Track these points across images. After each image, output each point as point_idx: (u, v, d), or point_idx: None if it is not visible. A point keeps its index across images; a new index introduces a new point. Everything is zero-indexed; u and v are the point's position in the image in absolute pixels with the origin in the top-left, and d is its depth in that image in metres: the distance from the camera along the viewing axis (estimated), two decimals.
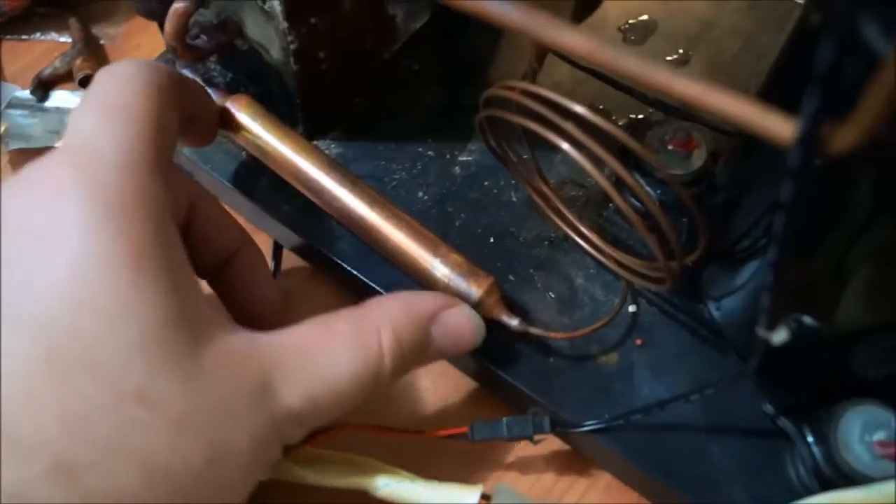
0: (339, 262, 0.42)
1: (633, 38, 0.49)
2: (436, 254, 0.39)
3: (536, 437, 0.38)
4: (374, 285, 0.42)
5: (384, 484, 0.37)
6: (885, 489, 0.33)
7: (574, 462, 0.42)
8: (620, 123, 0.46)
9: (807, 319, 0.34)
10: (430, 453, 0.41)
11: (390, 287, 0.41)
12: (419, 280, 0.40)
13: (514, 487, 0.40)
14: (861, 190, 0.29)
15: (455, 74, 0.47)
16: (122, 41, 0.55)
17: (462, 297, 0.38)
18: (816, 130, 0.24)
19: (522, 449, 0.42)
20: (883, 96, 0.22)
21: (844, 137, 0.24)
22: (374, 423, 0.40)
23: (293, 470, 0.37)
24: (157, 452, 0.26)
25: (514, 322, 0.38)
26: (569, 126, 0.34)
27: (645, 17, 0.51)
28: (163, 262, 0.28)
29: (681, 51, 0.49)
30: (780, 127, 0.27)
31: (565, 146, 0.34)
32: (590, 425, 0.38)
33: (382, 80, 0.47)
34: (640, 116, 0.46)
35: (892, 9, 0.23)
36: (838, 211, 0.29)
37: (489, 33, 0.48)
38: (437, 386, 0.44)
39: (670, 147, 0.41)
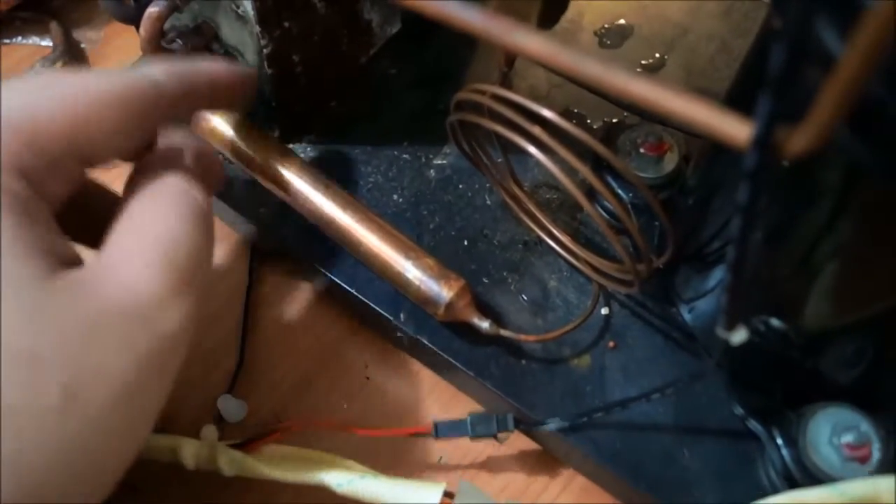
0: (314, 264, 0.42)
1: (608, 42, 0.50)
2: (407, 256, 0.39)
3: (501, 436, 0.39)
4: (347, 287, 0.42)
5: (346, 480, 0.37)
6: (845, 488, 0.33)
7: (547, 463, 0.42)
8: (595, 127, 0.46)
9: (774, 321, 0.34)
10: (398, 452, 0.42)
11: (363, 288, 0.42)
12: (392, 282, 0.40)
13: (477, 487, 0.40)
14: (818, 193, 0.29)
15: (431, 79, 0.47)
16: (103, 45, 0.55)
17: (433, 300, 0.38)
18: (771, 134, 0.24)
19: (494, 449, 0.42)
20: (837, 98, 0.22)
21: (799, 140, 0.24)
22: (339, 422, 0.40)
23: (257, 467, 0.38)
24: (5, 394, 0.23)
25: (484, 324, 0.39)
26: (536, 130, 0.34)
27: (622, 21, 0.51)
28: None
29: (657, 55, 0.49)
30: (736, 130, 0.27)
31: (533, 150, 0.34)
32: (553, 423, 0.38)
33: (359, 85, 0.47)
34: (615, 120, 0.46)
35: (846, 12, 0.23)
36: (796, 213, 0.29)
37: (464, 38, 0.48)
38: (411, 387, 0.44)
39: (642, 150, 0.41)
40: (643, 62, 0.49)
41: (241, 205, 0.44)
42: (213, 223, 0.32)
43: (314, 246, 0.43)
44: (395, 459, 0.42)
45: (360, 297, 0.42)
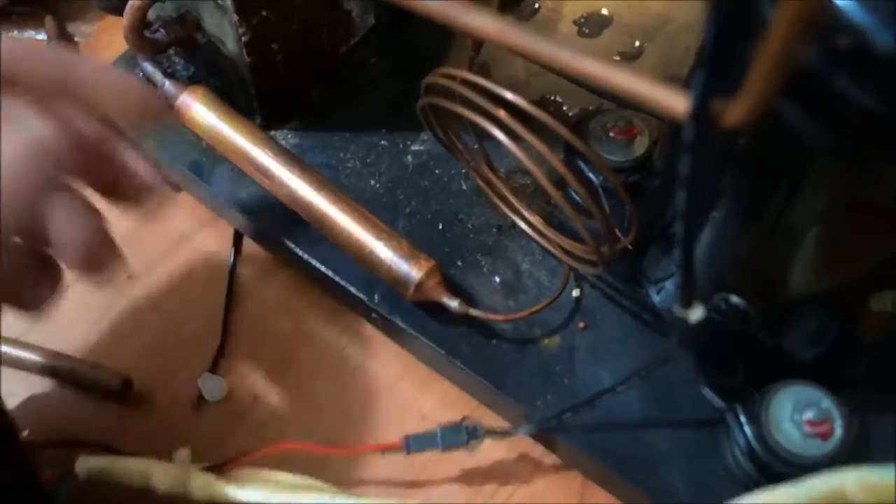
0: (292, 246, 0.44)
1: (587, 31, 0.50)
2: (379, 237, 0.40)
3: (472, 444, 0.39)
4: (324, 269, 0.43)
5: (315, 502, 0.38)
6: (812, 486, 0.32)
7: (516, 468, 0.43)
8: (571, 114, 0.47)
9: (734, 299, 0.35)
10: (367, 468, 0.42)
11: (339, 270, 0.43)
12: (364, 262, 0.41)
13: None
14: (772, 170, 0.30)
15: (409, 68, 0.48)
16: (96, 38, 0.57)
17: (403, 279, 0.39)
18: (707, 105, 0.25)
19: (463, 459, 0.42)
20: (768, 68, 0.22)
21: (736, 111, 0.24)
22: (308, 441, 0.40)
23: (230, 490, 0.38)
24: None
25: (454, 303, 0.39)
26: (501, 113, 0.35)
27: (603, 11, 0.52)
28: None
29: (637, 44, 0.50)
30: (674, 102, 0.28)
31: (498, 134, 0.35)
32: (523, 430, 0.39)
33: (339, 73, 0.48)
34: (591, 108, 0.47)
35: None
36: (753, 191, 0.30)
37: (442, 28, 0.49)
38: (387, 367, 0.45)
39: (612, 134, 0.42)
40: (620, 51, 0.50)
41: (222, 190, 0.45)
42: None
43: (293, 230, 0.44)
44: (369, 475, 0.42)
45: (337, 279, 0.43)
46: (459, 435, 0.39)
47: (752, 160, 0.31)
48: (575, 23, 0.51)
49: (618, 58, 0.49)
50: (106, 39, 0.56)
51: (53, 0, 0.57)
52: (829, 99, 0.26)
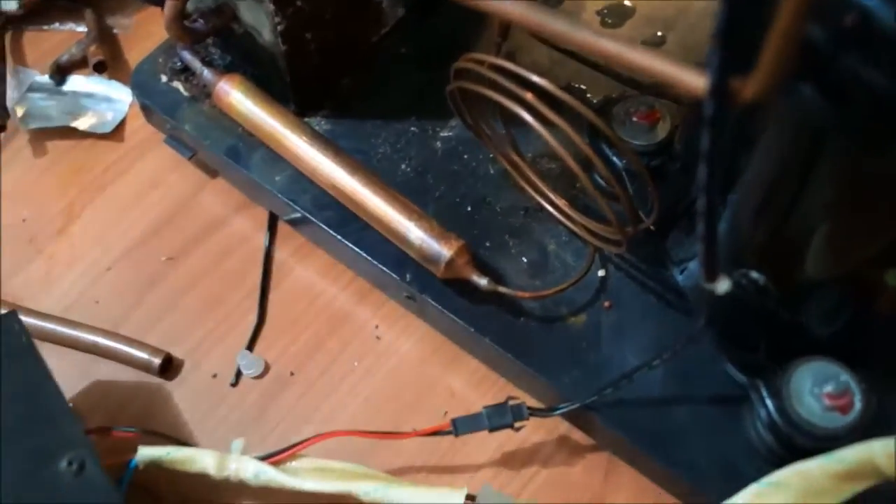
0: (326, 228, 0.45)
1: (609, 21, 0.52)
2: (410, 218, 0.42)
3: (517, 425, 0.41)
4: (357, 249, 0.44)
5: (373, 489, 0.39)
6: (842, 455, 0.34)
7: (565, 446, 0.44)
8: (595, 101, 0.48)
9: (754, 274, 0.36)
10: (401, 451, 0.44)
11: (372, 251, 0.44)
12: (396, 241, 0.42)
13: (496, 490, 0.42)
14: (786, 148, 0.31)
15: (437, 57, 0.49)
16: (134, 30, 0.59)
17: (434, 258, 0.41)
18: (724, 82, 0.26)
19: (485, 438, 0.43)
20: (779, 44, 0.24)
21: (751, 87, 0.26)
22: (357, 429, 0.42)
23: (277, 478, 0.39)
24: None
25: (483, 281, 0.41)
26: (528, 96, 0.37)
27: (626, 2, 0.53)
28: None
29: (658, 33, 0.51)
30: (695, 81, 0.29)
31: (525, 116, 0.37)
32: (564, 407, 0.40)
33: (370, 62, 0.50)
34: (614, 95, 0.48)
35: None
36: (762, 157, 0.31)
37: (469, 18, 0.51)
38: (418, 346, 0.47)
39: (635, 119, 0.43)
40: (642, 40, 0.51)
41: (259, 174, 0.47)
42: None
43: (326, 212, 0.45)
44: (418, 458, 0.44)
45: (370, 259, 0.44)
46: (505, 416, 0.40)
47: (766, 141, 0.32)
48: (597, 13, 0.52)
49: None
50: (144, 31, 0.58)
51: None
52: (838, 77, 0.27)
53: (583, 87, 0.49)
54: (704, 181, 0.30)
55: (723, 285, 0.33)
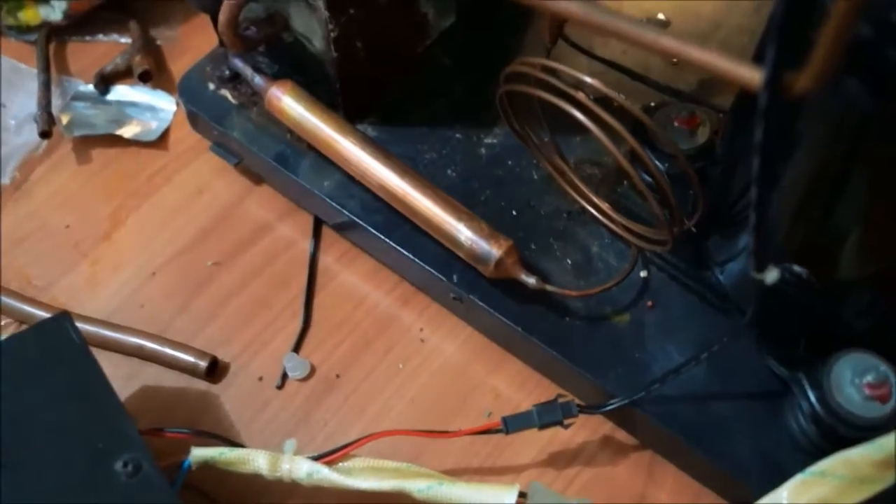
0: (374, 231, 0.46)
1: None
2: (460, 219, 0.43)
3: (566, 422, 0.41)
4: (404, 251, 0.46)
5: (426, 486, 0.39)
6: (882, 443, 0.35)
7: (612, 445, 0.45)
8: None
9: (796, 268, 0.37)
10: (458, 449, 0.44)
11: (419, 252, 0.45)
12: (446, 242, 0.43)
13: (547, 487, 0.43)
14: (832, 140, 0.32)
15: (482, 68, 0.51)
16: (178, 42, 0.60)
17: (483, 257, 0.42)
18: (778, 75, 0.28)
19: (529, 438, 0.43)
20: (831, 40, 0.25)
21: (803, 80, 0.27)
22: (408, 429, 0.43)
23: (331, 477, 0.40)
24: None
25: (531, 280, 0.42)
26: (580, 95, 0.38)
27: (660, 16, 0.54)
28: None
29: None
30: (750, 74, 0.30)
31: (577, 114, 0.38)
32: (613, 404, 0.41)
33: (415, 72, 0.51)
34: (653, 104, 0.50)
35: None
36: (808, 152, 0.32)
37: (514, 30, 0.53)
38: (462, 349, 0.48)
39: (676, 124, 0.44)
40: None
41: (307, 179, 0.48)
42: None
43: (375, 216, 0.47)
44: (464, 459, 0.45)
45: (417, 261, 0.45)
46: (555, 412, 0.41)
47: (810, 137, 0.33)
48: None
49: (675, 60, 0.51)
50: (188, 43, 0.59)
51: (139, 6, 0.61)
52: (884, 72, 0.28)
53: (621, 96, 0.50)
54: (757, 172, 0.31)
55: (771, 275, 0.34)
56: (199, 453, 0.40)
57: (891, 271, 0.37)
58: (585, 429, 0.45)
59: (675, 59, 0.51)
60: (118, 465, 0.37)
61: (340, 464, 0.41)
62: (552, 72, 0.39)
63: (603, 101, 0.38)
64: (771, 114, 0.29)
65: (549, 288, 0.42)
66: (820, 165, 0.34)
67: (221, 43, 0.49)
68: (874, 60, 0.28)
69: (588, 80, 0.37)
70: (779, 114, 0.30)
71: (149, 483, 0.37)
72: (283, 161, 0.49)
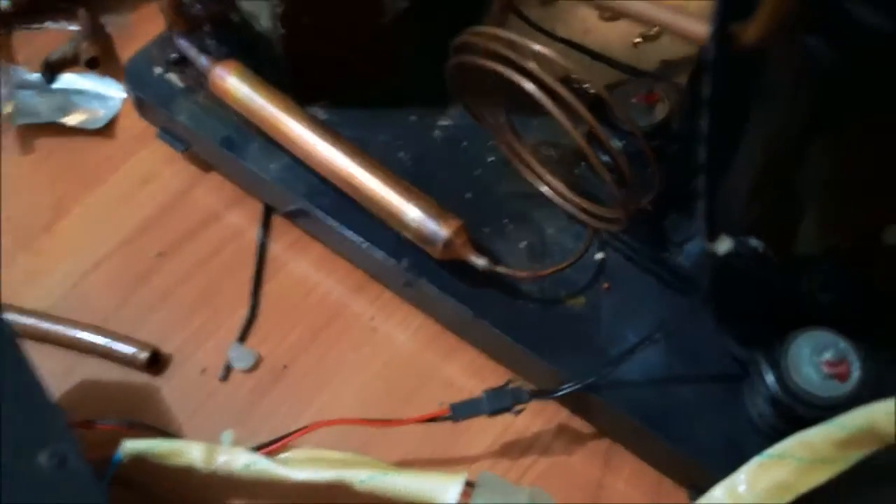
0: (322, 215, 0.45)
1: (607, 15, 0.52)
2: (408, 198, 0.41)
3: (517, 408, 0.40)
4: (353, 235, 0.44)
5: (368, 476, 0.38)
6: (843, 421, 0.34)
7: (541, 434, 0.43)
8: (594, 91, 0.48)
9: (753, 241, 0.36)
10: (409, 439, 0.43)
11: (368, 236, 0.44)
12: (393, 223, 0.42)
13: (497, 476, 0.41)
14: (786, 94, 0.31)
15: (438, 49, 0.50)
16: (129, 29, 0.58)
17: (432, 238, 0.40)
18: (726, 26, 0.26)
19: (483, 426, 0.42)
20: None
21: (751, 30, 0.26)
22: (350, 418, 0.41)
23: (268, 468, 0.38)
24: None
25: (480, 261, 0.40)
26: (531, 65, 0.36)
27: None
28: None
29: (656, 29, 0.51)
30: (696, 27, 0.29)
31: (528, 86, 0.36)
32: (565, 389, 0.39)
33: (370, 53, 0.50)
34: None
35: None
36: (765, 114, 0.31)
37: (472, 11, 0.51)
38: (415, 337, 0.46)
39: (634, 100, 0.43)
40: (640, 32, 0.51)
41: (254, 163, 0.46)
42: None
43: (323, 199, 0.45)
44: (416, 449, 0.43)
45: (366, 245, 0.44)
46: (505, 399, 0.40)
47: (769, 99, 0.32)
48: (597, 8, 0.53)
49: (639, 39, 0.50)
50: (139, 30, 0.57)
51: None
52: (844, 25, 0.27)
53: (583, 79, 0.49)
54: (707, 131, 0.30)
55: (723, 245, 0.33)
56: (130, 446, 0.38)
57: (852, 245, 0.36)
58: (541, 417, 0.43)
59: (608, 15, 0.51)
60: (42, 458, 0.35)
61: (281, 455, 0.39)
62: (506, 44, 0.38)
63: (561, 80, 0.37)
64: (719, 67, 0.28)
65: (499, 269, 0.40)
66: (778, 130, 0.33)
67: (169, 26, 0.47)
68: (832, 14, 0.27)
69: (538, 48, 0.36)
70: (729, 68, 0.29)
71: (75, 476, 0.35)
72: (230, 145, 0.47)
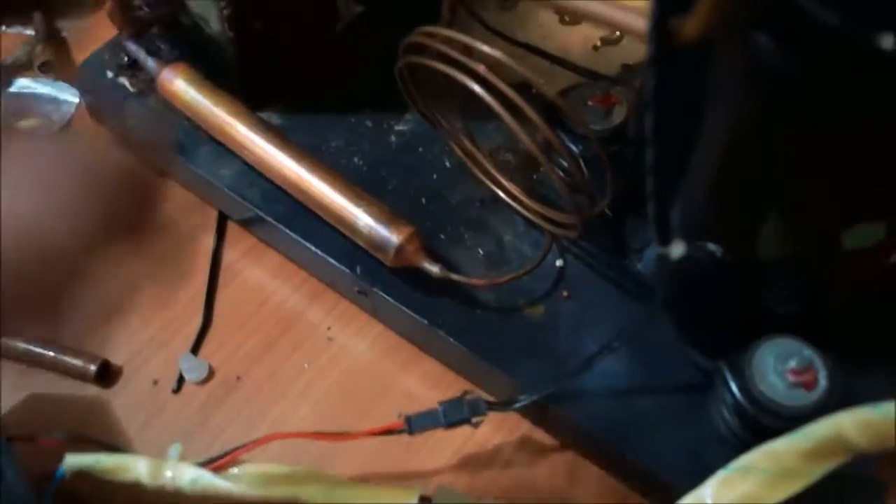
0: (274, 221, 0.43)
1: (567, 18, 0.51)
2: (358, 204, 0.40)
3: (474, 420, 0.38)
4: (306, 243, 0.43)
5: (320, 492, 0.37)
6: (809, 431, 0.32)
7: (526, 444, 0.42)
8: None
9: (711, 246, 0.35)
10: (367, 453, 0.41)
11: (321, 244, 0.43)
12: (345, 229, 0.41)
13: (454, 489, 0.40)
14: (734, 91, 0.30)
15: (394, 54, 0.49)
16: (86, 34, 0.57)
17: (383, 244, 0.39)
18: (666, 20, 0.25)
19: (444, 438, 0.41)
20: None
21: (692, 24, 0.25)
22: (305, 431, 0.40)
23: (215, 484, 0.37)
24: None
25: (434, 269, 0.39)
26: (481, 68, 0.35)
27: None
28: None
29: (617, 33, 0.50)
30: (637, 22, 0.28)
31: (476, 88, 0.35)
32: (523, 400, 0.38)
33: (325, 57, 0.49)
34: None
35: None
36: (718, 115, 0.30)
37: (429, 17, 0.50)
38: (372, 347, 0.45)
39: (590, 103, 0.42)
40: (601, 36, 0.50)
41: (205, 168, 0.45)
42: None
43: (275, 205, 0.44)
44: (373, 463, 0.41)
45: (319, 252, 0.43)
46: (462, 410, 0.38)
47: (721, 99, 0.31)
48: (556, 11, 0.52)
49: (598, 43, 0.49)
50: (96, 35, 0.56)
51: None
52: (795, 22, 0.26)
53: (540, 81, 0.48)
54: (651, 130, 0.29)
55: (677, 249, 0.32)
56: (73, 461, 0.37)
57: (813, 249, 0.35)
58: (503, 429, 0.42)
59: (568, 18, 0.50)
60: None
61: (231, 470, 0.38)
62: (455, 45, 0.37)
63: (519, 85, 0.35)
64: (660, 62, 0.27)
65: (453, 277, 0.39)
66: (731, 132, 0.32)
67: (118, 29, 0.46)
68: (782, 9, 0.26)
69: (488, 50, 0.35)
70: (671, 65, 0.27)
71: (11, 492, 0.34)
72: (181, 150, 0.46)
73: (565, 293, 0.41)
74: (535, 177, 0.44)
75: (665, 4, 0.24)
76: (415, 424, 0.38)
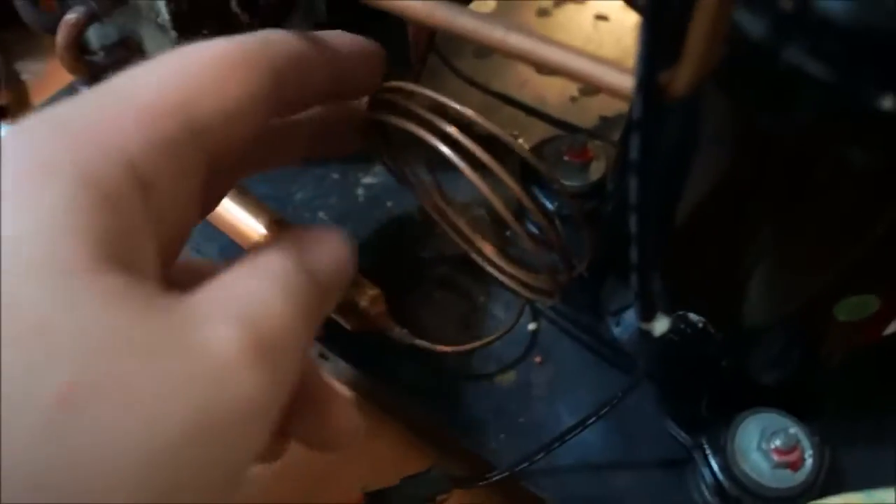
0: None
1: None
2: None
3: (438, 499, 0.36)
4: None
5: None
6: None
7: None
8: (528, 147, 0.45)
9: (693, 316, 0.32)
10: None
11: None
12: None
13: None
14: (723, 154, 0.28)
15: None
16: (45, 77, 0.55)
17: (347, 308, 0.37)
18: (653, 75, 0.23)
19: None
20: (706, 28, 0.21)
21: (681, 78, 0.23)
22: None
23: None
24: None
25: (400, 334, 0.37)
26: (451, 129, 0.33)
27: None
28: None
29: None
30: (620, 80, 0.26)
31: (444, 149, 0.33)
32: (492, 477, 0.35)
33: None
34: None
35: None
36: (702, 173, 0.28)
37: (402, 62, 0.49)
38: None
39: (566, 158, 0.40)
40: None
41: None
42: (317, 318, 0.27)
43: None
44: None
45: None
46: (424, 487, 0.36)
47: (705, 157, 0.29)
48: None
49: (576, 94, 0.47)
50: (58, 77, 0.54)
51: (3, 36, 0.56)
52: (780, 72, 0.24)
53: (515, 133, 0.46)
54: (636, 197, 0.26)
55: (661, 325, 0.30)
56: None
57: (804, 321, 0.33)
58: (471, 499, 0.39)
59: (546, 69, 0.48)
60: None
61: None
62: (422, 102, 0.34)
63: (489, 138, 0.33)
64: (647, 123, 0.25)
65: (419, 343, 0.37)
66: (716, 191, 0.30)
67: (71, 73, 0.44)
68: (766, 61, 0.24)
69: (458, 107, 0.33)
70: (658, 125, 0.25)
71: None
72: None
73: (538, 359, 0.39)
74: (507, 234, 0.42)
75: (654, 57, 0.22)
76: (374, 502, 0.36)
